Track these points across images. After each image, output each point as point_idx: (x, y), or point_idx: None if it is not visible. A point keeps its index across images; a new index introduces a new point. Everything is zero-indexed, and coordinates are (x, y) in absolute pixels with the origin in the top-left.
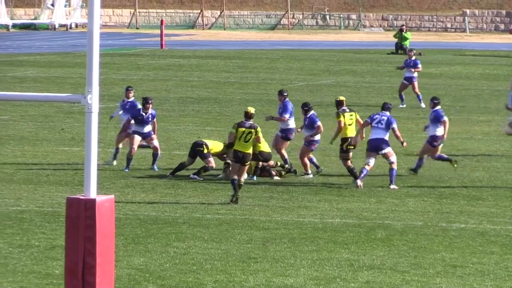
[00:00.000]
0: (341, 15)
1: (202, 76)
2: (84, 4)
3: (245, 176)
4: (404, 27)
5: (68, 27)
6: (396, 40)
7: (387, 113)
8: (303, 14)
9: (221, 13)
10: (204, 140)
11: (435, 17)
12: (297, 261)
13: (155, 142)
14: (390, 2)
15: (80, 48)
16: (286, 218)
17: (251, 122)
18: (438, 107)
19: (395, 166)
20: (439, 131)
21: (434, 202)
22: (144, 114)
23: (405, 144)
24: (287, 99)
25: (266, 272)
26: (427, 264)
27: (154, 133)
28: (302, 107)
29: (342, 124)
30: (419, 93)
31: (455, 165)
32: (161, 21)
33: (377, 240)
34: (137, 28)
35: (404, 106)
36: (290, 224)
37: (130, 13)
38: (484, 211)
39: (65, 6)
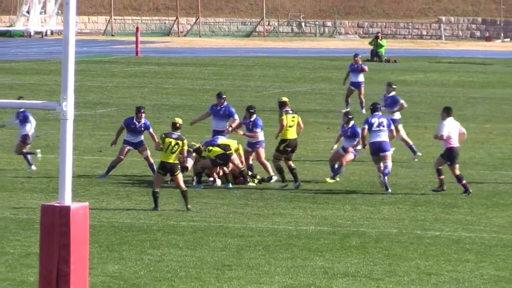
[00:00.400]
0: (317, 22)
1: (177, 83)
2: (60, 11)
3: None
4: (379, 34)
5: (44, 34)
6: (371, 47)
7: (380, 114)
8: (278, 21)
9: (196, 20)
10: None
11: (411, 24)
12: (272, 269)
13: (147, 153)
14: (366, 9)
15: (56, 55)
16: (261, 225)
17: (178, 133)
18: (352, 122)
19: (389, 168)
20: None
21: (409, 209)
22: (136, 123)
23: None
24: (226, 102)
25: (241, 280)
26: (402, 271)
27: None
28: (248, 110)
29: (284, 123)
30: (363, 100)
31: (329, 180)
32: (137, 28)
33: (351, 248)
34: (112, 35)
35: (348, 110)
36: (264, 232)
37: (106, 20)
38: (459, 219)
39: (41, 13)
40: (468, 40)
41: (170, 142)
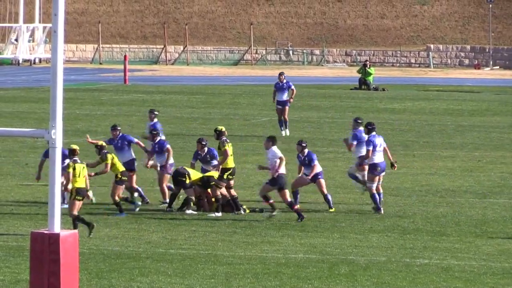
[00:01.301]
0: (305, 51)
1: (166, 112)
2: (48, 39)
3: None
4: (367, 62)
5: (32, 62)
6: (359, 75)
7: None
8: (266, 49)
9: (184, 48)
10: (187, 169)
11: (399, 52)
12: None
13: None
14: (354, 37)
15: (44, 83)
16: (250, 253)
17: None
18: (306, 150)
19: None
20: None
21: (398, 237)
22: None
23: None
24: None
25: None
26: None
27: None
28: (150, 132)
29: (229, 152)
30: (287, 120)
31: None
32: (125, 56)
33: (340, 276)
34: (100, 63)
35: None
36: (253, 259)
37: (94, 48)
38: (448, 247)
39: (29, 41)
40: (456, 68)
41: (79, 167)
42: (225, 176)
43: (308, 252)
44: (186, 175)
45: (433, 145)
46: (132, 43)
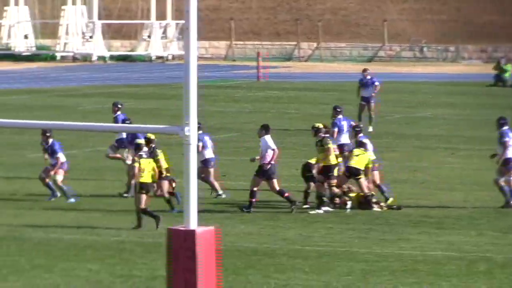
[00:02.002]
0: (439, 47)
1: (300, 108)
2: (181, 36)
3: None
4: (503, 59)
5: (165, 58)
6: (495, 72)
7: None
8: (400, 46)
9: (317, 45)
10: (310, 162)
11: None
12: None
13: (57, 177)
14: (489, 33)
15: (177, 79)
16: (386, 250)
17: (144, 152)
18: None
19: None
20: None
21: None
22: (45, 144)
23: None
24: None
25: None
26: None
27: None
28: (123, 122)
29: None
30: (372, 116)
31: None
32: (258, 53)
33: (478, 273)
34: (233, 60)
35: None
36: (390, 257)
37: (227, 45)
38: None
39: (162, 38)
40: None
41: (145, 162)
42: (335, 173)
43: (446, 250)
44: (311, 168)
45: None
46: (265, 40)
